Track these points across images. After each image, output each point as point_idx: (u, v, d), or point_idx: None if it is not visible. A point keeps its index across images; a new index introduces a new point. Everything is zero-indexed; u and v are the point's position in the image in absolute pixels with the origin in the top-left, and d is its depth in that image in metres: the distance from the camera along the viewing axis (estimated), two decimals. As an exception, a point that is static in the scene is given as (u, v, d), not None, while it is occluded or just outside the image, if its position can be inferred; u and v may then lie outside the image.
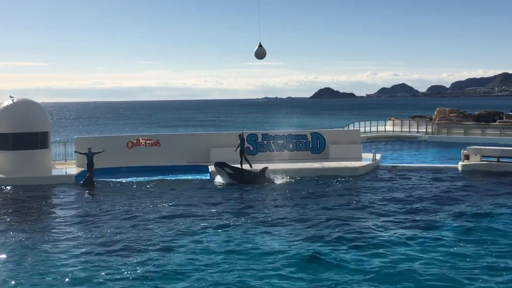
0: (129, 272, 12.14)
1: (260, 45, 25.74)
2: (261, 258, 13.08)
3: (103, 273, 12.11)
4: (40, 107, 29.26)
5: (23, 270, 12.58)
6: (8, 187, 24.10)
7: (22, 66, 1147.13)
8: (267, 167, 24.97)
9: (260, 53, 25.89)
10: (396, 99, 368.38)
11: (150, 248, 14.13)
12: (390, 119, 52.89)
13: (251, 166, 26.21)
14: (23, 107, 27.71)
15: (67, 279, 11.82)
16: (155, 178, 25.89)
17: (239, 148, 26.48)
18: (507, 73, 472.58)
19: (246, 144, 28.03)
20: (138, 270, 12.30)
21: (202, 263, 12.78)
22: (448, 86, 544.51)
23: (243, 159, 26.44)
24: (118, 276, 11.92)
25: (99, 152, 25.69)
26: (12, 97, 28.32)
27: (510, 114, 51.90)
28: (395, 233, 15.22)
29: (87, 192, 23.20)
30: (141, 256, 13.40)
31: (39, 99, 35.46)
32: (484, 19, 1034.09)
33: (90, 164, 25.14)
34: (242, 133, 27.40)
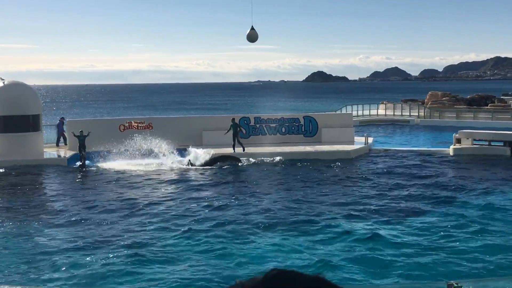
0: (117, 255, 12.19)
1: (252, 28, 25.56)
2: (257, 235, 13.19)
3: (91, 257, 12.13)
4: (31, 90, 29.09)
5: (15, 251, 12.61)
6: (0, 170, 24.03)
7: (13, 49, 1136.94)
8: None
9: (252, 36, 25.71)
10: (388, 83, 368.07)
11: (140, 230, 14.19)
12: (382, 103, 52.88)
13: (243, 149, 26.45)
14: (14, 90, 27.53)
15: (56, 261, 11.86)
16: (147, 161, 25.89)
17: (228, 132, 26.71)
18: (499, 56, 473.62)
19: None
20: (128, 252, 12.35)
21: (199, 246, 12.86)
22: (440, 70, 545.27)
23: (236, 143, 26.70)
24: (110, 258, 11.97)
25: (88, 135, 25.57)
26: (2, 79, 28.11)
27: (502, 98, 52.07)
28: (385, 215, 15.36)
29: (79, 175, 23.19)
30: (131, 238, 13.45)
31: (30, 82, 35.00)
32: (477, 3, 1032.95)
33: (81, 146, 25.13)
34: (234, 118, 27.62)
